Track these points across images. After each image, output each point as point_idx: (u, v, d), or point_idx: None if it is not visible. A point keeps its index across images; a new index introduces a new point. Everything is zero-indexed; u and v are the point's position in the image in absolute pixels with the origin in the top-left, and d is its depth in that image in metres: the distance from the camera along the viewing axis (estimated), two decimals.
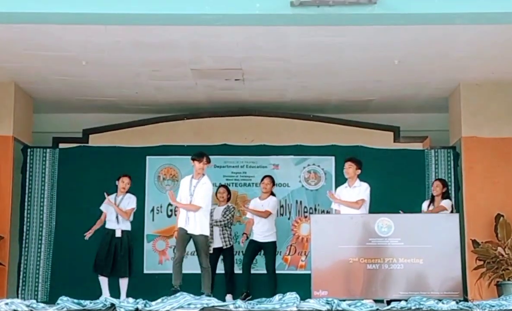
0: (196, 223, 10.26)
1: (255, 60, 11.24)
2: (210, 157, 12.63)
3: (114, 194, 11.36)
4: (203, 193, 10.36)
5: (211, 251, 11.33)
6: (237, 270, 12.34)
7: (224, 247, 11.77)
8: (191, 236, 10.30)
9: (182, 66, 11.48)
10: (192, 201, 10.26)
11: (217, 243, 11.74)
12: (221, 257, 11.86)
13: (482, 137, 12.26)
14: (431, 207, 11.35)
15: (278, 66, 11.49)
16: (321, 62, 11.29)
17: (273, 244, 11.79)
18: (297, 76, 11.96)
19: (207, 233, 10.45)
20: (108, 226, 11.30)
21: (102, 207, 11.40)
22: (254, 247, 11.77)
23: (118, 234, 11.20)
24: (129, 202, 11.33)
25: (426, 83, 12.35)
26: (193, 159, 10.46)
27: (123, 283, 11.15)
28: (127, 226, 11.30)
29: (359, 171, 10.66)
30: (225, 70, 11.67)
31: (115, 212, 11.21)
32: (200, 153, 10.50)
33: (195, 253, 10.74)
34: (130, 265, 11.30)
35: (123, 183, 11.34)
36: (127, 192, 11.38)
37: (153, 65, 11.43)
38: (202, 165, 10.38)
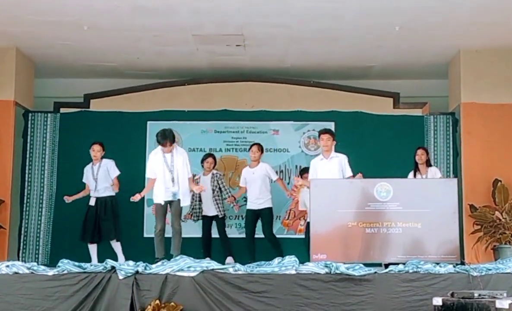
0: (185, 197, 10.37)
1: (256, 26, 11.25)
2: (211, 122, 12.78)
3: (90, 164, 11.35)
4: (185, 163, 10.39)
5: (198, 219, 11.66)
6: (236, 234, 12.47)
7: (220, 215, 11.80)
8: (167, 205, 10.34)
9: (183, 32, 11.49)
10: (174, 176, 10.24)
11: (211, 211, 11.75)
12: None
13: (481, 103, 12.30)
14: (418, 177, 11.31)
15: (278, 32, 11.50)
16: (321, 28, 11.30)
17: (269, 211, 11.74)
18: (298, 42, 11.98)
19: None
20: (91, 194, 11.32)
21: (84, 179, 11.41)
22: (252, 216, 11.71)
23: (92, 202, 11.25)
24: (110, 170, 11.30)
25: (426, 50, 12.36)
26: (158, 142, 10.34)
27: (116, 246, 11.19)
28: (110, 192, 11.30)
29: (334, 142, 10.59)
30: (226, 35, 11.68)
31: (93, 181, 11.20)
32: (162, 136, 10.30)
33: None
34: (115, 229, 11.31)
35: (94, 151, 11.26)
36: (102, 158, 11.35)
37: (154, 30, 11.44)
38: (168, 147, 10.27)
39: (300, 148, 13.25)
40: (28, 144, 13.05)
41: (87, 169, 11.37)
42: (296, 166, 13.09)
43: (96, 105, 13.35)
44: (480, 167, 12.06)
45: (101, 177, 11.24)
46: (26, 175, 12.97)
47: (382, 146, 12.69)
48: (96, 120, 13.07)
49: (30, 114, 13.07)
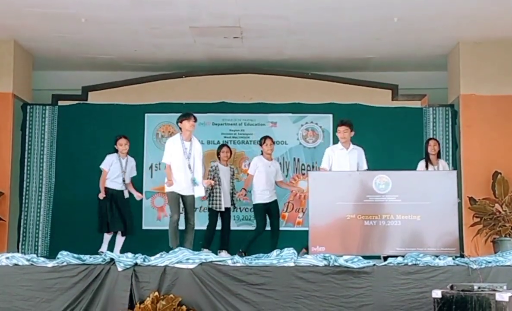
0: (201, 186, 10.29)
1: (253, 17, 11.23)
2: (209, 114, 12.74)
3: (115, 154, 11.28)
4: (201, 156, 10.39)
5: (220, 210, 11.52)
6: (235, 226, 12.47)
7: (229, 206, 11.77)
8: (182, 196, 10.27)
9: (181, 24, 11.47)
10: (190, 164, 10.20)
11: (226, 203, 11.64)
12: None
13: (481, 95, 12.29)
14: (430, 167, 11.32)
15: (276, 24, 11.48)
16: (320, 19, 11.27)
17: (277, 203, 11.75)
18: (296, 33, 11.95)
19: None
20: (112, 186, 11.20)
21: (103, 166, 11.27)
22: (264, 210, 11.56)
23: (126, 195, 11.27)
24: (133, 170, 11.41)
25: (425, 41, 12.34)
26: (181, 120, 10.28)
27: (121, 240, 11.18)
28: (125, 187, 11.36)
29: (352, 133, 10.62)
30: (224, 28, 11.66)
31: (122, 174, 11.18)
32: (187, 113, 10.35)
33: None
34: (132, 223, 11.42)
35: (122, 145, 11.24)
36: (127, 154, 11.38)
37: (152, 22, 11.42)
38: (192, 123, 10.27)
39: (298, 140, 13.24)
40: (27, 137, 13.03)
41: (113, 159, 11.24)
42: (294, 159, 13.09)
43: (94, 98, 13.33)
44: (480, 159, 12.05)
45: (128, 172, 11.27)
46: (25, 168, 12.95)
47: (381, 138, 12.68)
48: (94, 113, 13.08)
49: (28, 107, 13.05)
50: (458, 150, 12.65)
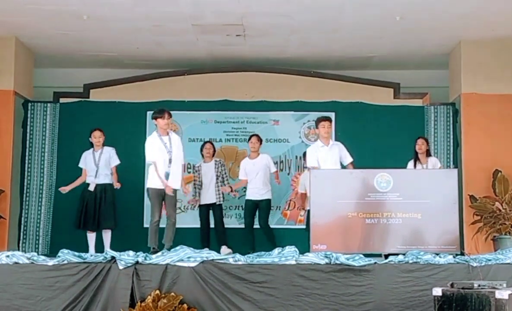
0: (177, 178, 10.34)
1: (256, 15, 11.23)
2: (211, 112, 12.74)
3: (90, 150, 11.30)
4: (180, 148, 10.45)
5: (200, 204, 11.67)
6: (236, 224, 12.50)
7: (217, 203, 11.78)
8: (163, 192, 10.29)
9: (183, 22, 11.47)
10: (172, 157, 10.26)
11: (211, 198, 11.73)
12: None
13: (482, 94, 12.30)
14: (418, 166, 11.33)
15: (279, 22, 11.49)
16: (322, 18, 11.28)
17: (268, 202, 11.75)
18: (298, 32, 11.95)
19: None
20: (88, 180, 11.24)
21: (81, 164, 11.32)
22: (252, 206, 11.71)
23: (91, 188, 11.13)
24: (112, 158, 11.28)
25: (427, 40, 12.35)
26: (155, 118, 10.37)
27: (107, 235, 11.16)
28: (109, 180, 11.26)
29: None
30: (226, 25, 11.66)
31: (94, 167, 11.16)
32: (161, 110, 10.44)
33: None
34: (114, 217, 11.31)
35: (95, 138, 11.23)
36: (103, 145, 11.33)
37: (154, 20, 11.42)
38: (166, 120, 10.33)
39: (300, 138, 13.24)
40: (28, 134, 13.02)
41: (87, 155, 11.29)
42: (296, 157, 13.09)
43: (95, 95, 13.34)
44: (480, 158, 12.07)
45: (102, 164, 11.19)
46: (26, 165, 12.95)
47: (382, 136, 12.70)
48: (95, 110, 13.06)
49: (29, 104, 13.05)
50: (459, 148, 12.66)
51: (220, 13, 11.15)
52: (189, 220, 11.79)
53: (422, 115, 13.12)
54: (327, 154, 10.44)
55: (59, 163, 13.03)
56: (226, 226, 11.97)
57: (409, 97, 13.34)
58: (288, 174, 13.08)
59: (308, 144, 13.05)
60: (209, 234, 11.69)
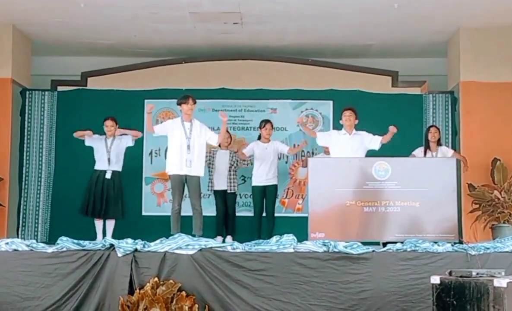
0: (198, 165, 10.31)
1: (253, 3, 11.21)
2: (208, 100, 12.71)
3: (104, 136, 11.36)
4: (202, 135, 10.42)
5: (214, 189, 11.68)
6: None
7: (229, 191, 11.78)
8: (185, 179, 10.29)
9: (181, 9, 11.45)
10: (190, 144, 10.24)
11: (222, 185, 11.74)
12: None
13: (481, 82, 12.28)
14: (428, 154, 11.34)
15: (277, 10, 11.46)
16: (320, 6, 11.26)
17: (275, 188, 11.79)
18: (296, 20, 11.93)
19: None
20: (98, 167, 11.27)
21: (89, 143, 11.38)
22: (261, 193, 11.68)
23: (108, 175, 11.19)
24: (126, 142, 11.36)
25: (426, 28, 12.33)
26: (180, 103, 10.39)
27: (110, 224, 11.18)
28: (119, 167, 11.31)
29: (356, 121, 10.73)
30: (224, 13, 11.64)
31: (106, 153, 11.21)
32: (185, 96, 10.44)
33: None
34: (122, 206, 11.34)
35: (107, 127, 11.31)
36: (115, 134, 11.37)
37: (151, 7, 11.40)
38: (190, 105, 10.33)
39: (298, 126, 13.17)
40: (26, 122, 13.03)
41: (99, 138, 11.35)
42: (294, 145, 13.04)
43: (93, 83, 13.31)
44: (479, 146, 12.07)
45: (113, 151, 11.24)
46: (24, 153, 12.95)
47: (380, 124, 12.55)
48: (93, 98, 13.04)
49: (27, 92, 13.04)
50: (457, 136, 12.67)
51: (217, 1, 11.14)
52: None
53: (420, 104, 13.10)
54: (348, 143, 10.59)
55: (58, 151, 13.02)
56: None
57: (408, 86, 13.31)
58: (286, 162, 13.07)
59: (306, 132, 13.09)
60: (227, 220, 11.71)
